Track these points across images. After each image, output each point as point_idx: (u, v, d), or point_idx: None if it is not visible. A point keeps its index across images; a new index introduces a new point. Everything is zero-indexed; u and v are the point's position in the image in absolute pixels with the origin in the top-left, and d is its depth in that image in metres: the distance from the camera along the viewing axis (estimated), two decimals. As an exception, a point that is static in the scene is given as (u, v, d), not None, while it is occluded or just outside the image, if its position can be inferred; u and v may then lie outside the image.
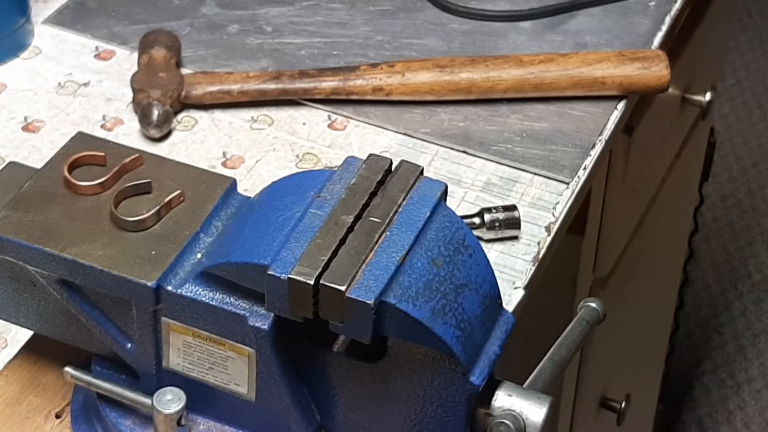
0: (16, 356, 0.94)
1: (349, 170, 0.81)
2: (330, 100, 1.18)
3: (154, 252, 0.81)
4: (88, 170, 0.86)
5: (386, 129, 1.17)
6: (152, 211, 0.82)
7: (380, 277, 0.74)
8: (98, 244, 0.81)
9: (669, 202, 1.74)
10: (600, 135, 1.16)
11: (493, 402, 0.79)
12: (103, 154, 0.86)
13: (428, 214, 0.79)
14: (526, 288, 1.02)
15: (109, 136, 1.13)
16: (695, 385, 2.48)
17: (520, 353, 0.93)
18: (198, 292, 0.80)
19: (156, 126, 1.14)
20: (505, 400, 0.79)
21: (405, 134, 1.16)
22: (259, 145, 1.15)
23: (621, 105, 1.19)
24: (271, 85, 1.17)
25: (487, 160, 1.14)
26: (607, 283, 1.48)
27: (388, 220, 0.78)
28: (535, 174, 1.12)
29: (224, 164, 1.13)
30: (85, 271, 0.80)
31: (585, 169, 1.13)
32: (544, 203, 1.10)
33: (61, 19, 1.28)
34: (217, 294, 0.79)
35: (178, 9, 1.29)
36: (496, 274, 0.82)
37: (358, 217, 0.78)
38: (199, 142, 1.15)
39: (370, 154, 0.82)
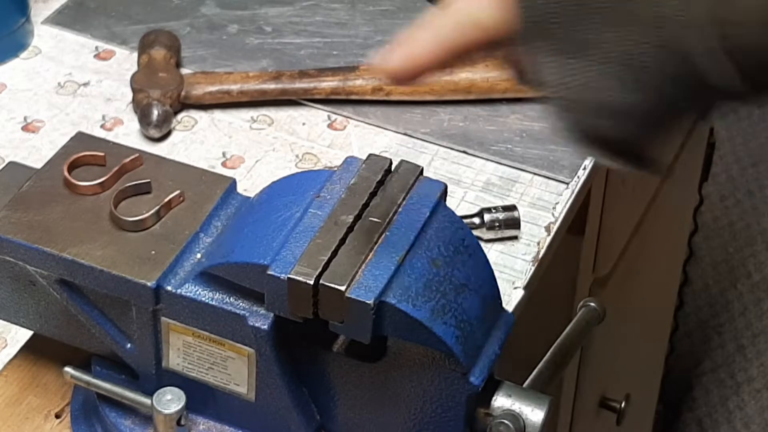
0: (16, 356, 0.94)
1: (349, 170, 0.81)
2: (330, 100, 1.18)
3: (153, 252, 0.81)
4: (88, 170, 0.86)
5: (386, 129, 1.17)
6: (152, 211, 0.82)
7: (380, 277, 0.74)
8: (98, 244, 0.81)
9: (669, 202, 1.74)
10: (600, 135, 1.16)
11: (492, 402, 0.79)
12: (102, 154, 0.86)
13: (428, 214, 0.79)
14: (525, 288, 1.02)
15: (109, 136, 1.13)
16: (695, 385, 2.48)
17: (520, 353, 0.93)
18: (198, 292, 0.80)
19: (156, 126, 1.14)
20: (504, 400, 0.79)
21: (405, 134, 1.16)
22: (259, 145, 1.15)
23: (621, 105, 1.19)
24: (271, 85, 1.17)
25: (487, 160, 1.14)
26: (606, 283, 1.48)
27: (387, 220, 0.78)
28: (535, 174, 1.12)
29: (224, 164, 1.13)
30: (84, 271, 0.80)
31: (585, 169, 1.13)
32: (543, 203, 1.10)
33: (60, 19, 1.28)
34: (217, 294, 0.79)
35: (178, 9, 1.29)
36: (496, 274, 0.82)
37: (357, 217, 0.78)
38: (199, 142, 1.15)
39: (370, 154, 0.82)
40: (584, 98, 0.64)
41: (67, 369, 0.85)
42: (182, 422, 0.82)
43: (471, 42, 0.68)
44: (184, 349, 0.82)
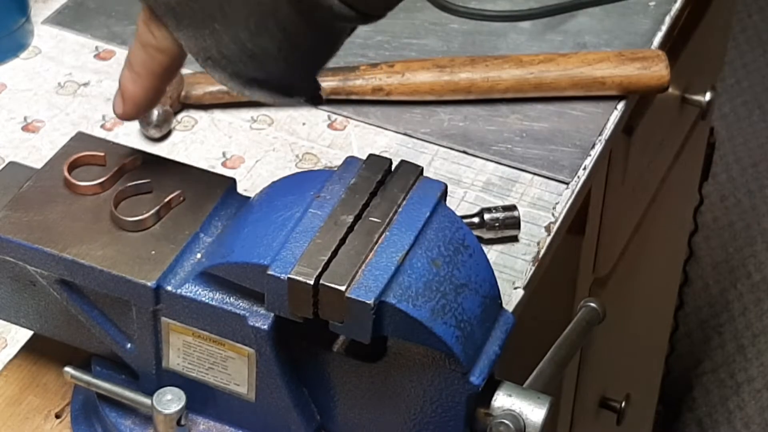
0: (16, 356, 0.94)
1: (349, 170, 0.81)
2: (330, 100, 1.18)
3: (153, 252, 0.81)
4: (88, 170, 0.86)
5: (386, 129, 1.17)
6: (152, 211, 0.82)
7: (380, 277, 0.74)
8: (98, 244, 0.81)
9: (669, 202, 1.74)
10: (600, 135, 1.16)
11: (493, 402, 0.79)
12: (102, 154, 0.86)
13: (428, 214, 0.79)
14: (525, 288, 1.02)
15: (109, 136, 1.13)
16: (695, 385, 2.48)
17: (520, 353, 0.93)
18: (198, 292, 0.80)
19: (156, 126, 1.14)
20: (505, 400, 0.79)
21: (405, 134, 1.16)
22: (259, 145, 1.15)
23: (621, 105, 1.19)
24: (271, 85, 1.17)
25: (487, 160, 1.14)
26: (606, 283, 1.48)
27: (388, 220, 0.78)
28: (535, 174, 1.12)
29: (224, 164, 1.13)
30: (85, 271, 0.80)
31: (585, 169, 1.13)
32: (543, 203, 1.10)
33: (60, 19, 1.28)
34: (217, 294, 0.79)
35: (178, 9, 1.29)
36: (496, 274, 0.82)
37: (358, 217, 0.78)
38: (199, 142, 1.15)
39: (370, 154, 0.82)
40: (228, 54, 0.75)
41: (67, 369, 0.85)
42: (182, 422, 0.82)
43: (166, 66, 0.79)
44: (184, 349, 0.82)
